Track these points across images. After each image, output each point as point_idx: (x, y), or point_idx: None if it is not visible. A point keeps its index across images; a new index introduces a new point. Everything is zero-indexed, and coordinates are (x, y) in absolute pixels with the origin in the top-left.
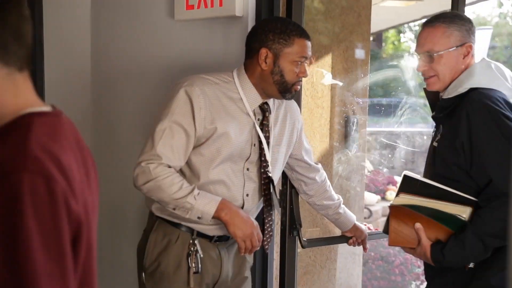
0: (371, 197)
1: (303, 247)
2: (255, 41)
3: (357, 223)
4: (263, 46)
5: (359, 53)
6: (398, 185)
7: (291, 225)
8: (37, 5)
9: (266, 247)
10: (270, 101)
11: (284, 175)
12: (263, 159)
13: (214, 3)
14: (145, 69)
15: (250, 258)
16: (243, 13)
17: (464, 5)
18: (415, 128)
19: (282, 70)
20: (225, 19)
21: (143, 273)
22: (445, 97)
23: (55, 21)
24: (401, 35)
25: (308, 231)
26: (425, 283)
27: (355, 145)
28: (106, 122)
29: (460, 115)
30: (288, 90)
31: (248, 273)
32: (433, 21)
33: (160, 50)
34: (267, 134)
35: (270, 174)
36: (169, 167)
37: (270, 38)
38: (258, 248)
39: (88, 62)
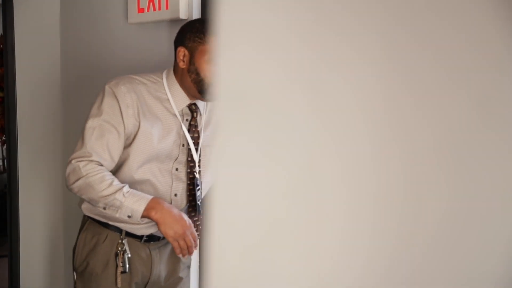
0: None
1: None
2: (176, 41)
3: None
4: (180, 45)
5: None
6: None
7: None
8: (9, 11)
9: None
10: (201, 102)
11: None
12: (189, 159)
13: (161, 6)
14: (106, 70)
15: (186, 259)
16: (187, 16)
17: None
18: None
19: (197, 68)
20: (171, 22)
21: (75, 273)
22: None
23: (26, 25)
24: None
25: None
26: None
27: None
28: (75, 122)
29: None
30: (206, 90)
31: (183, 274)
32: None
33: (117, 52)
34: (196, 135)
35: (197, 175)
36: (101, 165)
37: (187, 37)
38: (196, 248)
39: (58, 64)
